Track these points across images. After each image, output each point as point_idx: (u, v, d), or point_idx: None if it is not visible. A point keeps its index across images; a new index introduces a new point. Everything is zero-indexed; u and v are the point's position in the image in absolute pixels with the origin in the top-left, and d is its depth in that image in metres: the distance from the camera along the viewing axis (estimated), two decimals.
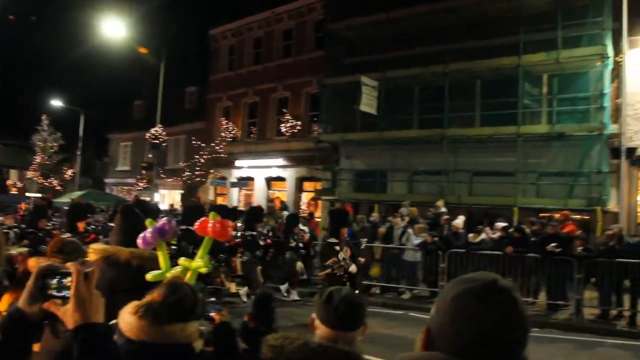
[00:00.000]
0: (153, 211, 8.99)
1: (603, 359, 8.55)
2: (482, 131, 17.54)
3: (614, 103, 15.91)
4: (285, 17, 25.21)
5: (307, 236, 13.67)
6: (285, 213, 14.97)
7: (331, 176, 21.50)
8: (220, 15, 29.51)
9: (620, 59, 15.61)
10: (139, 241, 2.75)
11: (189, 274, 2.71)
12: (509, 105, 16.48)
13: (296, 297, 12.35)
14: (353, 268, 9.58)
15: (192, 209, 13.43)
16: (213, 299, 2.63)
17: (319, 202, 20.90)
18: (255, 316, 3.51)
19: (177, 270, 2.71)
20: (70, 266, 1.45)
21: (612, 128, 15.47)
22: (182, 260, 2.78)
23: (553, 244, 11.21)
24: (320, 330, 2.09)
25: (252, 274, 11.28)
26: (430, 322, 1.23)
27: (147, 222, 2.83)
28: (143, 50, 25.43)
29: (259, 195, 25.32)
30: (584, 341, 9.61)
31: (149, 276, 2.65)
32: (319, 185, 21.35)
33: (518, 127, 16.32)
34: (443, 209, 14.82)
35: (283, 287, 12.59)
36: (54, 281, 1.46)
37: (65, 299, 1.44)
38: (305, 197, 23.91)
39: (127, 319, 2.09)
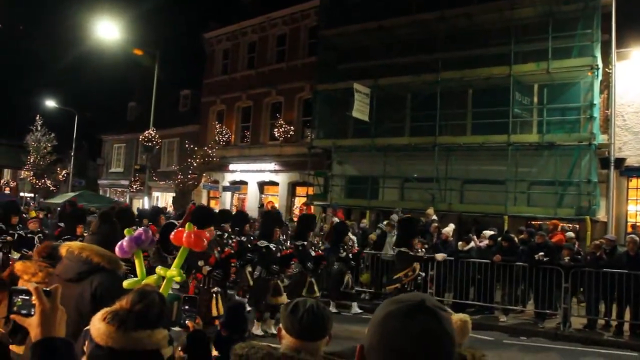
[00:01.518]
0: (132, 220, 8.96)
1: None
2: (473, 139, 17.65)
3: (604, 114, 16.07)
4: (280, 23, 25.31)
5: (357, 247, 12.98)
6: (336, 219, 13.76)
7: (323, 182, 21.56)
8: (215, 19, 29.62)
9: (609, 70, 15.78)
10: (117, 249, 2.80)
11: (164, 283, 2.75)
12: (499, 114, 16.58)
13: (335, 310, 11.65)
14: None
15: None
16: (187, 307, 2.64)
17: (311, 207, 20.93)
18: (227, 325, 3.57)
19: (152, 278, 2.76)
20: (30, 286, 1.58)
21: (601, 138, 15.62)
22: (158, 269, 2.83)
23: (541, 253, 11.30)
24: (286, 340, 2.16)
25: (298, 288, 10.14)
26: (364, 340, 1.25)
27: (126, 231, 2.88)
28: (138, 52, 25.43)
29: (251, 200, 25.36)
30: (571, 350, 9.68)
31: (125, 283, 2.70)
32: (311, 191, 21.40)
33: (509, 136, 16.42)
34: (434, 217, 14.89)
35: (354, 305, 12.08)
36: (19, 299, 1.61)
37: (28, 316, 1.57)
38: (298, 202, 23.96)
39: (96, 325, 2.15)
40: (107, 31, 23.44)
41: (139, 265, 2.77)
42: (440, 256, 11.81)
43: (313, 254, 10.60)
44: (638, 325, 10.57)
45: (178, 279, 2.80)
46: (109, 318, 2.13)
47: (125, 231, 2.85)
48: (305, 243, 10.25)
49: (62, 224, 11.91)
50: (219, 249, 8.25)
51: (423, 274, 10.05)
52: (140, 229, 2.94)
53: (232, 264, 8.48)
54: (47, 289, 1.64)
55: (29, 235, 11.05)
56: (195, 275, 7.90)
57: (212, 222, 7.78)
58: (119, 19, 25.29)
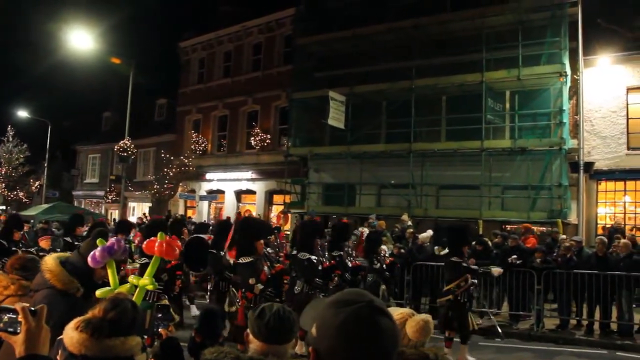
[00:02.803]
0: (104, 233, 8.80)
1: None
2: (448, 145, 17.91)
3: (573, 119, 16.46)
4: (255, 31, 25.38)
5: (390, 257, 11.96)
6: (365, 230, 12.91)
7: (300, 189, 21.62)
8: (191, 28, 29.57)
9: (577, 77, 16.19)
10: (89, 259, 2.83)
11: (137, 291, 2.80)
12: (473, 120, 16.86)
13: None
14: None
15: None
16: (160, 315, 2.67)
17: (289, 215, 20.97)
18: (201, 331, 3.62)
19: (125, 287, 2.80)
20: (17, 305, 1.68)
21: (571, 143, 15.98)
22: (131, 278, 2.87)
23: (514, 256, 11.51)
24: (254, 344, 2.23)
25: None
26: (314, 343, 1.28)
27: (98, 241, 2.91)
28: (116, 61, 25.25)
29: (228, 209, 25.28)
30: (544, 350, 9.85)
31: (98, 292, 2.74)
32: (288, 199, 21.44)
33: (482, 142, 16.72)
34: (409, 223, 15.06)
35: None
36: (6, 317, 1.73)
37: (15, 333, 1.68)
38: (275, 210, 23.96)
39: (69, 333, 2.18)
40: (82, 40, 23.23)
41: (112, 275, 2.81)
42: (496, 271, 10.71)
43: (350, 264, 9.87)
44: (608, 324, 10.83)
45: (150, 287, 2.84)
46: (82, 326, 2.16)
47: (98, 241, 2.88)
48: (342, 253, 9.63)
49: None
50: (268, 264, 7.73)
51: (476, 282, 9.29)
52: (113, 239, 2.98)
53: (285, 281, 7.87)
54: (33, 308, 1.76)
55: (42, 254, 10.72)
56: (246, 294, 7.29)
57: (261, 235, 7.53)
58: (93, 28, 25.15)
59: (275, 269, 7.72)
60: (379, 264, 10.95)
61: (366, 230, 12.79)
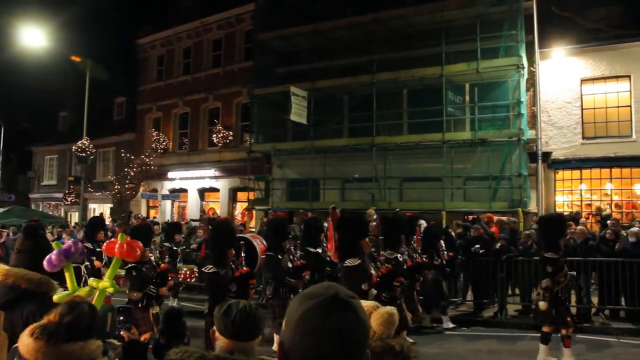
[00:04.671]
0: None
1: (522, 350, 8.99)
2: (410, 138, 18.07)
3: (530, 110, 16.84)
4: (215, 27, 25.08)
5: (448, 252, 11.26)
6: (423, 222, 11.90)
7: (264, 186, 21.51)
8: (149, 24, 28.99)
9: (534, 69, 16.55)
10: (45, 263, 2.73)
11: (96, 294, 2.71)
12: (434, 113, 17.06)
13: (450, 325, 10.68)
14: None
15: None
16: (122, 317, 2.59)
17: (253, 212, 20.85)
18: (165, 332, 3.55)
19: (84, 290, 2.72)
20: None
21: (529, 134, 16.35)
22: (90, 281, 2.78)
23: (477, 246, 11.70)
24: (220, 341, 2.19)
25: (413, 304, 9.18)
26: (282, 336, 1.28)
27: (54, 244, 2.81)
28: (76, 59, 24.59)
29: (192, 208, 24.99)
30: (507, 336, 10.05)
31: (56, 298, 2.64)
32: (252, 195, 21.31)
33: (443, 134, 16.92)
34: (375, 217, 15.12)
35: (445, 319, 10.72)
36: None
37: None
38: (240, 208, 23.80)
39: (25, 340, 2.09)
40: (34, 37, 22.55)
41: (70, 279, 2.72)
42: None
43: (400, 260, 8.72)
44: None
45: (111, 290, 2.76)
46: (38, 332, 2.07)
47: (54, 244, 2.78)
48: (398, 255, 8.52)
49: None
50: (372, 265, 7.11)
51: (574, 273, 8.60)
52: (70, 242, 2.88)
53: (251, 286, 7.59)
54: None
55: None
56: None
57: (365, 233, 6.91)
58: (47, 25, 24.41)
59: (381, 270, 7.06)
60: (439, 260, 10.40)
61: (424, 223, 11.77)
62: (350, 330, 1.21)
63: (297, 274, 8.63)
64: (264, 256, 8.62)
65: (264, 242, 9.66)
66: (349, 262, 6.60)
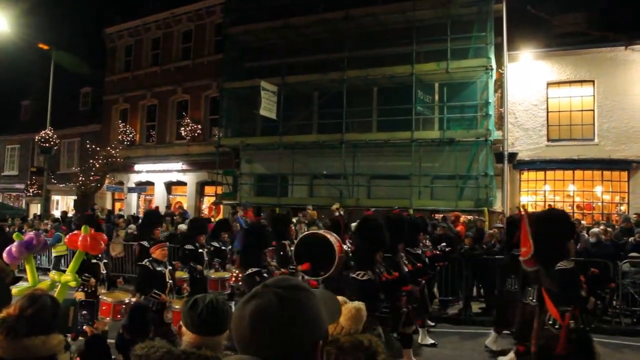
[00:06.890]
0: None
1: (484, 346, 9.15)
2: (379, 136, 18.17)
3: (498, 111, 17.12)
4: (184, 19, 24.73)
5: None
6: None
7: (232, 180, 21.35)
8: (117, 13, 28.37)
9: (502, 71, 16.83)
10: (5, 255, 2.64)
11: (59, 287, 2.64)
12: (403, 111, 17.18)
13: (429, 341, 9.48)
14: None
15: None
16: (84, 312, 2.53)
17: (220, 206, 20.67)
18: (129, 328, 3.48)
19: (45, 283, 2.63)
20: None
21: (496, 134, 16.61)
22: (52, 274, 2.70)
23: (443, 244, 11.82)
24: (187, 336, 2.15)
25: (425, 303, 8.79)
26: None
27: (15, 235, 2.73)
28: (44, 47, 23.93)
29: (158, 201, 24.63)
30: (471, 333, 10.21)
31: (15, 291, 2.56)
32: (220, 190, 21.12)
33: (412, 133, 17.06)
34: (337, 213, 15.11)
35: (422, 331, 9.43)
36: None
37: None
38: (207, 202, 23.57)
39: None
40: None
41: (30, 271, 2.63)
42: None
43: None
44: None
45: (73, 283, 2.68)
46: None
47: (15, 235, 2.69)
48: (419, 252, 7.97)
49: None
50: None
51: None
52: (31, 233, 2.79)
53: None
54: None
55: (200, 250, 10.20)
56: (569, 311, 5.43)
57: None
58: (9, 9, 23.63)
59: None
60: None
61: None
62: (261, 318, 1.25)
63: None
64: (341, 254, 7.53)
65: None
66: (562, 264, 5.41)
